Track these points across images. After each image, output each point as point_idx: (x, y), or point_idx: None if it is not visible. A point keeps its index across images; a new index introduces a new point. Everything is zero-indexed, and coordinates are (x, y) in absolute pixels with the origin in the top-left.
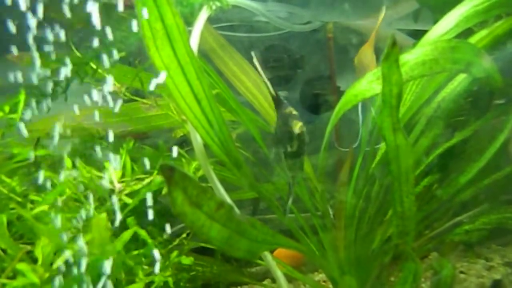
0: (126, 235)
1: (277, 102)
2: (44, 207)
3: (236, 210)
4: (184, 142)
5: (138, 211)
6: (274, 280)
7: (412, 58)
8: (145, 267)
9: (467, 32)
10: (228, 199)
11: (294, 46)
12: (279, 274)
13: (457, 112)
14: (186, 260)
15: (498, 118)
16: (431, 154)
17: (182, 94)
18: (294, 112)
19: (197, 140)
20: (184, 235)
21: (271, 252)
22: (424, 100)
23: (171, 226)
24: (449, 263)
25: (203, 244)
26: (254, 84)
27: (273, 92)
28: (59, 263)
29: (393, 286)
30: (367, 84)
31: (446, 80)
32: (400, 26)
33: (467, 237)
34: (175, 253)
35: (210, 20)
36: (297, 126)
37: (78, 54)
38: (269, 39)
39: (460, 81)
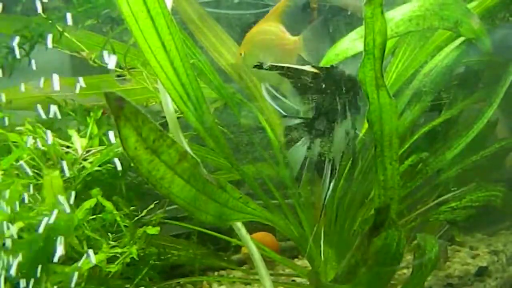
0: (88, 204)
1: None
2: None
3: (202, 167)
4: None
5: (105, 183)
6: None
7: (398, 14)
8: (111, 242)
9: None
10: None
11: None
12: (255, 254)
13: (444, 87)
14: (152, 230)
15: (485, 100)
16: (417, 132)
17: (152, 50)
18: None
19: (168, 105)
20: (151, 206)
21: None
22: (409, 74)
23: (144, 201)
24: (433, 240)
25: (175, 222)
26: (233, 57)
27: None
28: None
29: (375, 256)
30: (350, 43)
31: (434, 53)
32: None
33: (453, 216)
34: (143, 227)
35: None
36: None
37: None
38: (255, 16)
39: (447, 53)
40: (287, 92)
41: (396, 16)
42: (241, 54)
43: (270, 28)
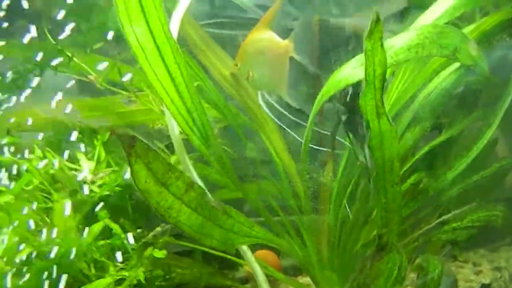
0: (96, 227)
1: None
2: (9, 198)
3: (209, 195)
4: None
5: (112, 205)
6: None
7: (397, 42)
8: (118, 264)
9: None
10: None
11: None
12: (259, 275)
13: (443, 109)
14: (159, 254)
15: (484, 120)
16: (417, 152)
17: (158, 77)
18: None
19: (174, 129)
20: (158, 229)
21: None
22: (409, 96)
23: (150, 223)
24: (436, 260)
25: (181, 242)
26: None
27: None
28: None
29: (378, 280)
30: (351, 70)
31: (432, 76)
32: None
33: (454, 236)
34: (149, 249)
35: (198, 15)
36: None
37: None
38: None
39: (446, 75)
40: (285, 97)
41: (395, 44)
42: (237, 65)
43: (262, 36)
